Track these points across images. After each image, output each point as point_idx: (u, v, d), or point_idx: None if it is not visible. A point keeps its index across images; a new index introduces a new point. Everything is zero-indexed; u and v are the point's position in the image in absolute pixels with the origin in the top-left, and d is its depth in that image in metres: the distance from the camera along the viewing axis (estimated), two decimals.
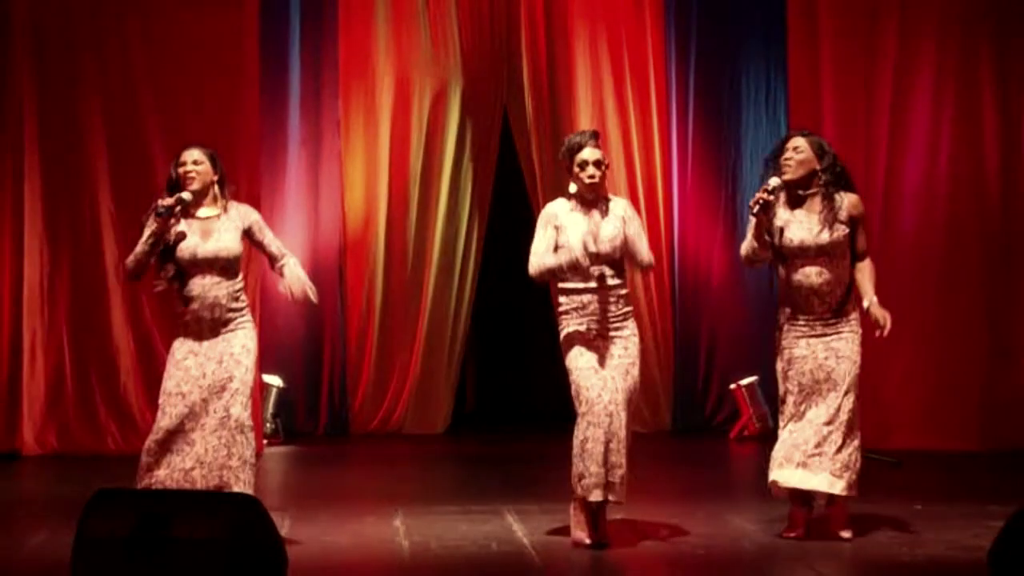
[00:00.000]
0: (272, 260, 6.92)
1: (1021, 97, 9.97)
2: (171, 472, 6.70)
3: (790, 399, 6.92)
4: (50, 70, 9.81)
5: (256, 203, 9.92)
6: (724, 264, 10.93)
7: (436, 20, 10.64)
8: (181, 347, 6.72)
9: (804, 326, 6.88)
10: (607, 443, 6.74)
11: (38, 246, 9.84)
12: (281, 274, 6.91)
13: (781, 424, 6.96)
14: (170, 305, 6.90)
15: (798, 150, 6.85)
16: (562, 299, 6.93)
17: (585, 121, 10.63)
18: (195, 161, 6.84)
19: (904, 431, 9.86)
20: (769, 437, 10.37)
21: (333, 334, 10.65)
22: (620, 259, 6.91)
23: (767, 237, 6.90)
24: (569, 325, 6.90)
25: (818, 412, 6.85)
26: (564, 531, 7.12)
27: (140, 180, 9.79)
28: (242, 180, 9.87)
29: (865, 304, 6.81)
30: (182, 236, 6.72)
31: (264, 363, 10.15)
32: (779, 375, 6.95)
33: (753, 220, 6.84)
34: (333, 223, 10.67)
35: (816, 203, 6.82)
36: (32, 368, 9.81)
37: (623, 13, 10.73)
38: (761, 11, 10.66)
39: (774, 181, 6.83)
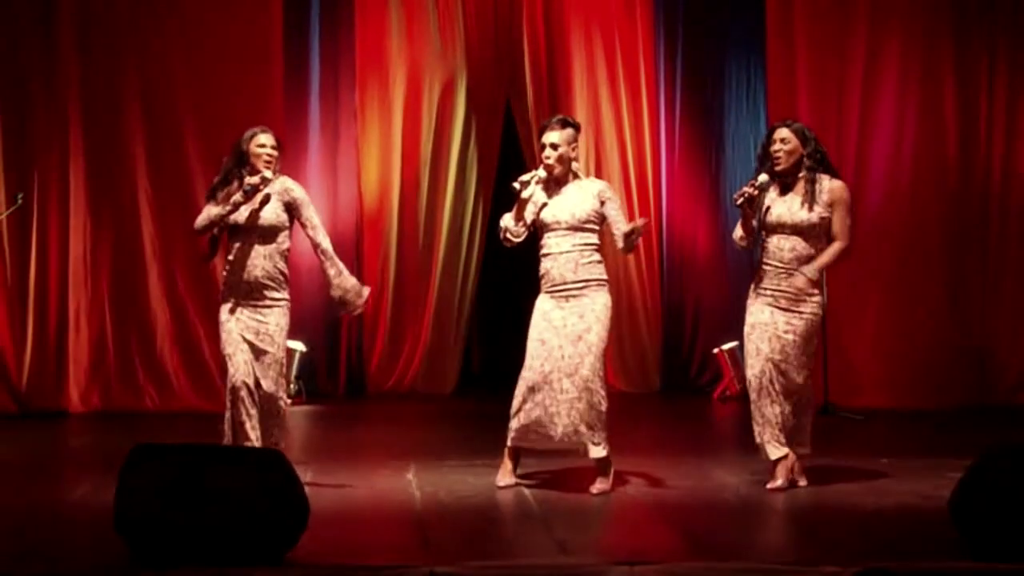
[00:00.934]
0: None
1: (978, 92, 9.97)
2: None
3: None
4: (93, 63, 9.82)
5: None
6: (708, 241, 10.94)
7: (445, 19, 10.62)
8: None
9: (769, 296, 6.85)
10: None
11: (82, 224, 9.85)
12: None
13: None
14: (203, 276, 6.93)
15: (785, 141, 6.82)
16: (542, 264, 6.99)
17: (581, 111, 10.63)
18: (273, 146, 6.88)
19: (870, 391, 9.89)
20: (748, 400, 10.41)
21: None
22: (587, 231, 6.93)
23: (754, 224, 6.88)
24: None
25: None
26: (559, 480, 7.14)
27: (174, 164, 9.84)
28: None
29: (805, 270, 6.71)
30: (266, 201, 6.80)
31: (290, 330, 10.15)
32: (745, 338, 6.92)
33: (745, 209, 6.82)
34: (350, 203, 10.68)
35: (801, 186, 6.79)
36: (77, 335, 9.83)
37: (616, 13, 10.72)
38: (742, 14, 10.65)
39: (763, 178, 6.81)
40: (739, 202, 6.83)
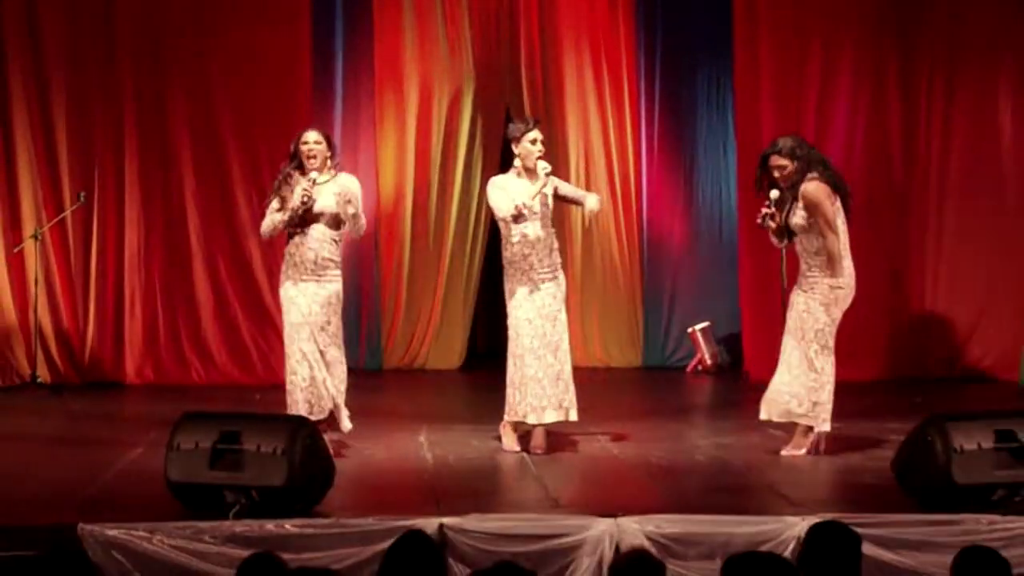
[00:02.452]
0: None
1: (918, 97, 9.94)
2: None
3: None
4: (145, 80, 9.81)
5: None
6: (682, 233, 10.93)
7: (452, 37, 10.61)
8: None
9: (798, 282, 6.90)
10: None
11: (136, 218, 9.86)
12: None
13: None
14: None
15: (782, 167, 6.81)
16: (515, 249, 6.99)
17: (571, 117, 10.63)
18: (316, 141, 6.91)
19: None
20: (719, 372, 10.44)
21: (370, 288, 10.68)
22: (550, 215, 7.00)
23: (782, 233, 6.89)
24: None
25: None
26: (555, 443, 7.17)
27: (216, 164, 9.84)
28: None
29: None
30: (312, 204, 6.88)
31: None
32: None
33: (770, 225, 6.88)
34: (369, 200, 10.59)
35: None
36: (132, 316, 9.85)
37: (602, 30, 10.70)
38: (713, 29, 10.60)
39: (774, 194, 6.82)
40: (760, 223, 6.86)
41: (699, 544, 5.28)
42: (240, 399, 8.57)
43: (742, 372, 10.19)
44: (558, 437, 7.24)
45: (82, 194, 9.67)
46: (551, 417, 6.97)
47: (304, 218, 6.90)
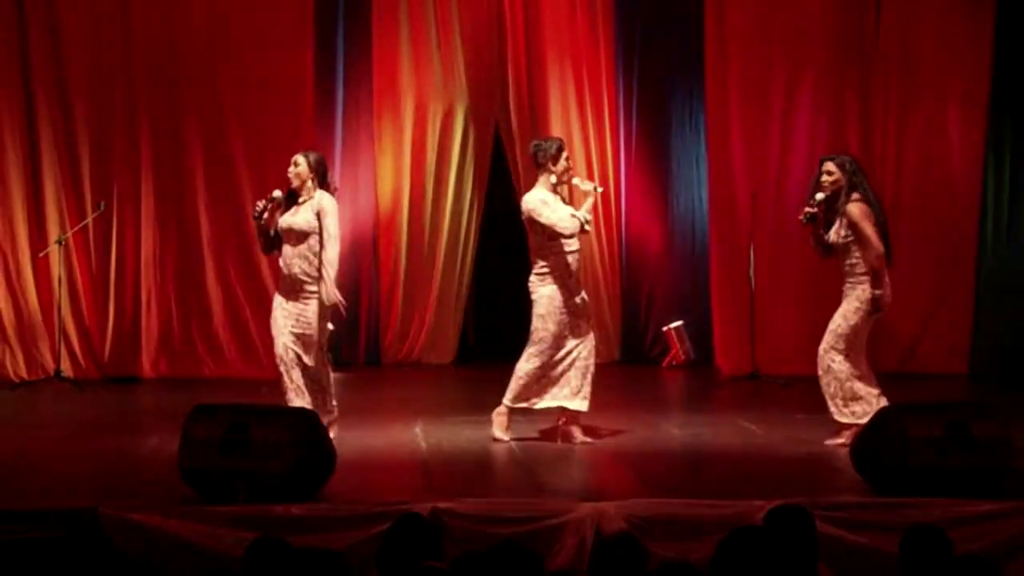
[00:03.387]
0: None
1: (875, 117, 9.96)
2: None
3: None
4: (161, 98, 9.80)
5: None
6: (659, 238, 10.94)
7: (446, 58, 10.60)
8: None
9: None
10: None
11: (152, 225, 9.84)
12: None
13: None
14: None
15: (830, 173, 6.79)
16: (549, 261, 6.91)
17: (556, 131, 10.56)
18: (296, 163, 6.90)
19: (790, 360, 9.87)
20: (691, 367, 10.44)
21: (369, 290, 10.67)
22: None
23: (822, 233, 6.83)
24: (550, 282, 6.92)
25: None
26: (549, 433, 7.17)
27: (225, 178, 9.84)
28: None
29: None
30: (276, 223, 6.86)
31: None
32: None
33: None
34: (369, 208, 10.68)
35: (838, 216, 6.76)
36: (148, 315, 9.83)
37: (584, 52, 10.68)
38: (687, 52, 10.61)
39: (819, 196, 6.79)
40: (803, 221, 6.83)
41: (673, 525, 5.29)
42: (248, 392, 8.55)
43: (713, 367, 10.21)
44: (548, 425, 7.24)
45: (102, 203, 9.67)
46: (574, 404, 6.97)
47: (279, 236, 6.85)
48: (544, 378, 6.95)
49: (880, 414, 6.00)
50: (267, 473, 5.54)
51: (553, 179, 6.95)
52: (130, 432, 7.41)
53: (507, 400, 6.99)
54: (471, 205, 10.73)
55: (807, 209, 6.79)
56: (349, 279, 10.61)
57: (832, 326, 6.87)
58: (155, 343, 9.82)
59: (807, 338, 9.98)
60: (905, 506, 5.38)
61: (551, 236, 6.91)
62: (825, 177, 6.79)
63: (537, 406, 7.00)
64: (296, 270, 6.81)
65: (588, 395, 6.94)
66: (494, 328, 11.37)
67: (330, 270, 6.80)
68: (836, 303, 9.86)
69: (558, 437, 6.97)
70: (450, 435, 7.25)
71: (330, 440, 5.91)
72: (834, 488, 5.71)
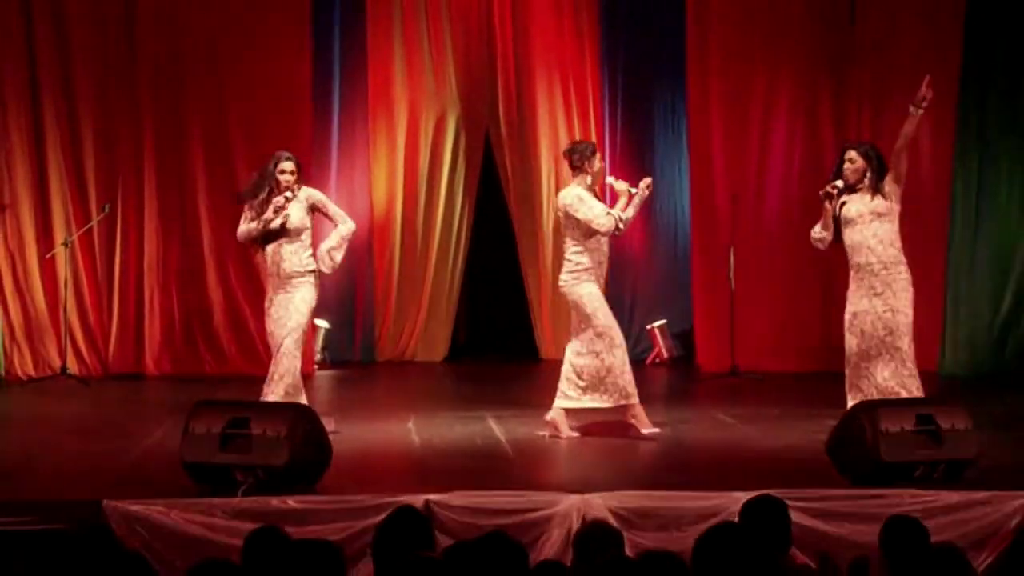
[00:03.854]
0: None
1: (848, 125, 9.97)
2: None
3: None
4: (164, 104, 9.78)
5: None
6: (642, 241, 10.94)
7: (438, 66, 10.60)
8: None
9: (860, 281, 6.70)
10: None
11: (155, 227, 9.82)
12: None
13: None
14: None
15: (852, 161, 6.76)
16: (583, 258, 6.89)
17: (543, 137, 10.61)
18: (292, 171, 6.89)
19: (768, 357, 9.91)
20: (674, 364, 10.45)
21: (364, 290, 10.66)
22: None
23: (834, 214, 6.73)
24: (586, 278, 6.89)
25: (882, 362, 6.61)
26: (528, 428, 7.16)
27: (226, 180, 9.77)
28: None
29: None
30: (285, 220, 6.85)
31: (316, 310, 10.14)
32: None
33: (826, 205, 6.75)
34: (364, 211, 10.66)
35: (866, 191, 6.66)
36: (151, 315, 9.81)
37: (570, 61, 10.67)
38: (669, 61, 10.62)
39: (840, 183, 6.77)
40: (822, 195, 6.76)
41: (656, 517, 5.30)
42: (247, 388, 8.52)
43: (694, 364, 10.23)
44: (535, 421, 7.24)
45: (107, 206, 9.64)
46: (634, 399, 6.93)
47: (275, 234, 6.85)
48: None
49: (853, 410, 6.02)
50: (266, 466, 5.53)
51: (589, 180, 6.96)
52: (133, 427, 7.39)
53: (625, 400, 6.89)
54: (462, 208, 10.74)
55: (827, 188, 6.75)
56: (344, 280, 10.63)
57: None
58: (158, 342, 9.80)
59: (784, 336, 10.07)
60: (877, 497, 5.40)
61: (586, 233, 6.88)
62: (847, 165, 6.75)
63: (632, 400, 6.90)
64: (287, 266, 6.83)
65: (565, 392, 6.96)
66: (484, 327, 11.40)
67: (344, 245, 7.04)
68: (812, 303, 9.98)
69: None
70: (442, 430, 7.25)
71: (327, 435, 5.91)
72: (810, 480, 5.72)
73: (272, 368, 6.84)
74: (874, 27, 9.89)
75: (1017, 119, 9.66)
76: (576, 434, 6.96)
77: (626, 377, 6.85)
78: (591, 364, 6.87)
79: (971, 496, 5.40)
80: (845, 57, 9.96)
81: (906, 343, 6.70)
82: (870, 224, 6.66)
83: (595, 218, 6.82)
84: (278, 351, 6.82)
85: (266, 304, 6.97)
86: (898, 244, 6.71)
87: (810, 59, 9.97)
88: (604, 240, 6.95)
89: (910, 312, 6.72)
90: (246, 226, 6.95)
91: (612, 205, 7.06)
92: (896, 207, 6.69)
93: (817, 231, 6.90)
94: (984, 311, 9.68)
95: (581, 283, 6.89)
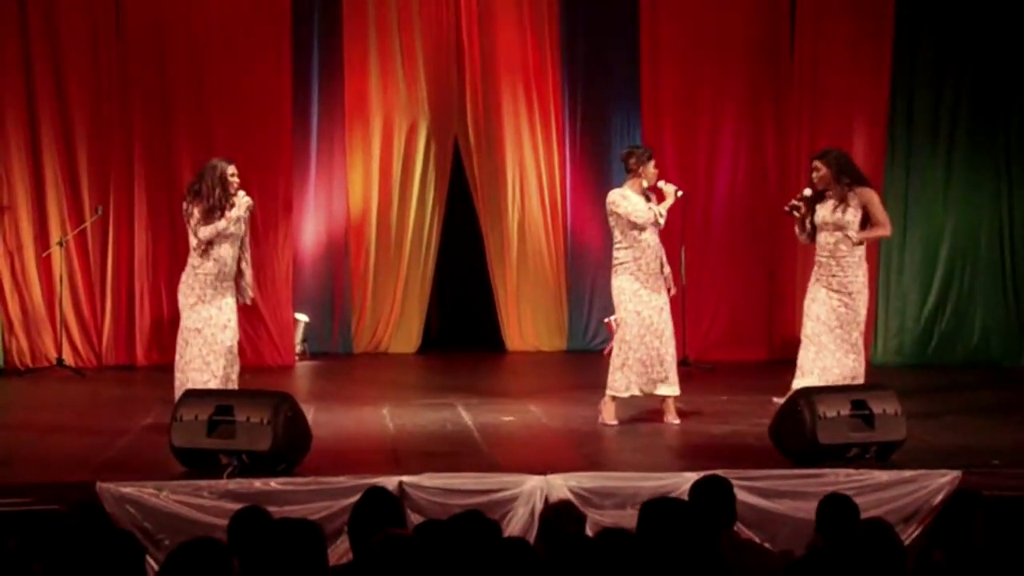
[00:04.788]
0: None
1: (790, 127, 10.03)
2: None
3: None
4: (152, 110, 9.72)
5: (288, 202, 9.98)
6: (601, 237, 10.83)
7: (410, 78, 10.57)
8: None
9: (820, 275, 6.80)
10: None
11: (144, 228, 9.76)
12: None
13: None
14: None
15: (817, 169, 6.80)
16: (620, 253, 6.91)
17: (508, 143, 10.60)
18: (235, 173, 6.81)
19: (716, 348, 9.97)
20: None
21: (342, 286, 10.62)
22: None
23: (806, 224, 6.82)
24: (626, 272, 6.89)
25: (828, 351, 6.70)
26: (494, 414, 7.17)
27: None
28: (279, 185, 9.90)
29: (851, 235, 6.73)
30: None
31: (297, 304, 10.16)
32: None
33: (794, 215, 6.86)
34: (341, 213, 10.64)
35: (834, 198, 6.72)
36: (142, 310, 9.75)
37: (534, 73, 10.66)
38: (626, 74, 10.62)
39: (806, 192, 6.81)
40: (786, 210, 6.84)
41: (613, 496, 5.33)
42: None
43: None
44: (502, 407, 7.24)
45: (99, 208, 9.59)
46: (662, 391, 6.89)
47: (224, 237, 6.69)
48: (640, 364, 6.83)
49: (794, 396, 6.07)
50: (250, 451, 5.52)
51: (645, 183, 6.95)
52: (125, 414, 7.36)
53: (618, 391, 6.87)
54: (433, 210, 10.72)
55: (793, 201, 6.84)
56: (323, 277, 10.61)
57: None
58: (148, 334, 9.74)
59: (731, 328, 10.13)
60: (815, 476, 5.46)
61: (629, 226, 6.87)
62: (814, 175, 6.82)
63: (640, 392, 6.88)
64: (232, 267, 6.74)
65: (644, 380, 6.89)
66: (454, 321, 11.40)
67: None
68: (758, 298, 10.05)
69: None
70: (414, 417, 7.25)
71: (307, 421, 5.90)
72: (754, 461, 5.76)
73: (235, 373, 6.76)
74: (813, 41, 9.96)
75: (938, 131, 9.80)
76: (612, 423, 6.88)
77: (631, 370, 6.83)
78: (616, 352, 6.92)
79: (900, 475, 5.46)
80: (786, 69, 10.04)
81: (855, 336, 6.76)
82: (833, 232, 6.76)
83: (635, 211, 6.86)
84: (234, 351, 6.75)
85: (230, 307, 6.74)
86: (860, 251, 6.76)
87: (754, 70, 10.04)
88: (646, 237, 6.87)
89: (863, 310, 6.79)
90: (213, 226, 6.64)
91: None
92: (856, 221, 6.73)
93: (797, 232, 7.02)
94: (912, 305, 9.78)
95: (617, 276, 6.95)
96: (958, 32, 9.69)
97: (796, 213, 6.86)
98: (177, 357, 6.74)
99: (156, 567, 4.31)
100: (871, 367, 9.43)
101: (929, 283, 9.80)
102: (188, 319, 6.69)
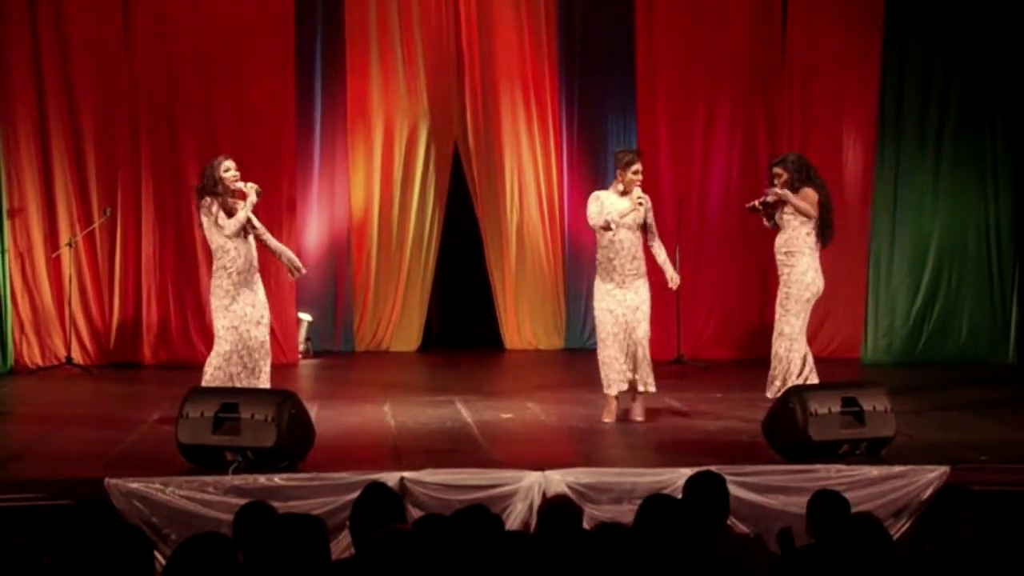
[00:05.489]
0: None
1: (781, 130, 10.02)
2: None
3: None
4: (159, 115, 9.72)
5: (291, 203, 9.98)
6: (595, 238, 10.92)
7: (411, 83, 10.57)
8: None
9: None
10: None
11: (151, 229, 9.75)
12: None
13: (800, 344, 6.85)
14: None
15: (779, 176, 6.85)
16: (599, 254, 6.91)
17: (507, 146, 10.60)
18: (236, 168, 6.77)
19: (710, 346, 9.97)
20: None
21: (344, 286, 10.62)
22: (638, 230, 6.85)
23: (768, 218, 6.94)
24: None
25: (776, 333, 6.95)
26: (494, 411, 7.16)
27: None
28: (283, 186, 9.89)
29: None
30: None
31: (300, 304, 10.16)
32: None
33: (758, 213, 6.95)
34: (343, 214, 10.64)
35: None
36: (148, 308, 9.74)
37: (532, 78, 10.66)
38: (621, 79, 10.62)
39: (769, 198, 6.83)
40: (747, 207, 6.95)
41: (610, 491, 5.32)
42: None
43: None
44: (501, 404, 7.23)
45: (107, 210, 9.59)
46: (641, 388, 6.81)
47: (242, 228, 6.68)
48: (618, 361, 6.76)
49: (786, 393, 6.07)
50: (254, 447, 5.52)
51: (620, 186, 6.91)
52: (132, 412, 7.34)
53: (605, 388, 6.83)
54: (433, 212, 10.72)
55: (755, 202, 6.90)
56: (326, 277, 10.61)
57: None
58: (155, 333, 9.73)
59: (725, 327, 10.12)
60: (807, 472, 5.45)
61: (597, 231, 6.87)
62: (775, 180, 6.86)
63: (611, 391, 6.80)
64: (255, 259, 6.75)
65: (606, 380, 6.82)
66: (454, 320, 11.39)
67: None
68: (751, 297, 10.05)
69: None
70: (415, 413, 7.24)
71: (310, 418, 5.89)
72: (747, 457, 5.76)
73: (267, 365, 6.74)
74: (804, 48, 9.96)
75: (926, 135, 9.79)
76: (609, 420, 6.82)
77: (609, 367, 6.79)
78: (598, 351, 6.92)
79: (890, 471, 5.46)
80: (777, 74, 10.03)
81: (794, 324, 6.76)
82: (785, 234, 6.88)
83: (590, 214, 6.84)
84: (266, 347, 6.74)
85: (241, 301, 6.68)
86: (796, 245, 6.80)
87: (747, 75, 10.03)
88: (621, 238, 6.79)
89: (801, 299, 6.80)
90: (236, 218, 6.63)
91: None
92: (802, 230, 6.82)
93: (765, 222, 7.11)
94: (901, 304, 9.78)
95: (596, 278, 6.91)
96: (945, 38, 9.70)
97: (755, 212, 6.95)
98: (213, 355, 6.68)
99: (163, 561, 4.31)
100: (861, 365, 9.51)
101: (918, 283, 9.80)
102: (224, 319, 6.64)
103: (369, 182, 10.62)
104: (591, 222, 6.86)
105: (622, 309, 6.82)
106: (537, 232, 10.72)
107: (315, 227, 10.59)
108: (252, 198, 6.70)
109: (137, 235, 9.75)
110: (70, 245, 9.43)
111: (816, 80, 9.94)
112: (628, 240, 6.83)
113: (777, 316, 6.91)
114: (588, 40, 10.80)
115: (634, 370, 6.81)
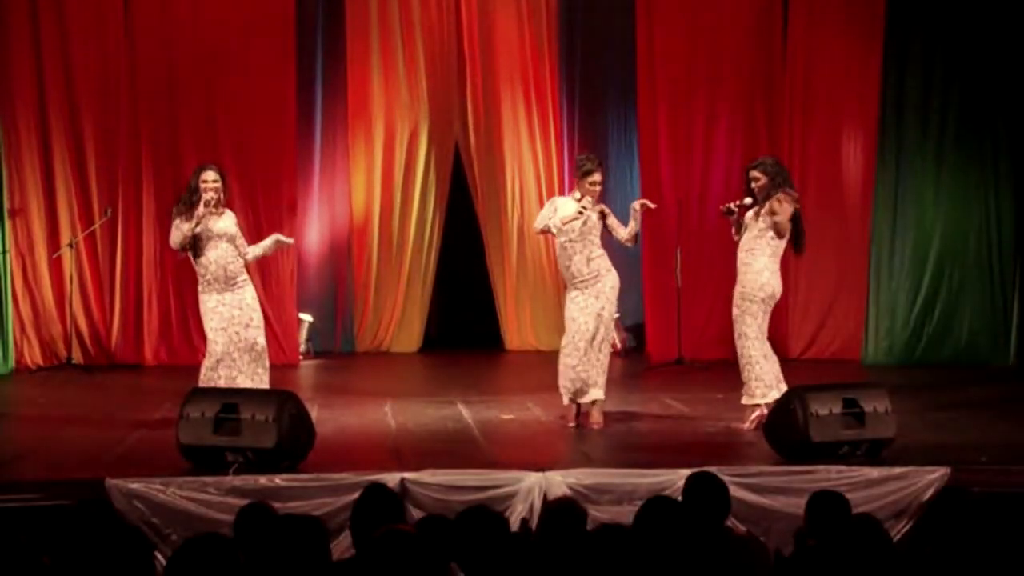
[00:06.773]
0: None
1: (782, 132, 10.02)
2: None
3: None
4: (160, 115, 9.73)
5: (292, 204, 9.99)
6: (600, 236, 10.93)
7: (411, 84, 10.58)
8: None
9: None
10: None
11: (152, 230, 9.76)
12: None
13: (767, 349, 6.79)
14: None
15: (756, 179, 6.80)
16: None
17: (508, 147, 10.61)
18: (213, 180, 6.74)
19: (710, 347, 9.95)
20: (626, 354, 10.45)
21: (345, 287, 10.63)
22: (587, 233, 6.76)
23: (737, 227, 6.87)
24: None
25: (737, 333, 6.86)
26: (494, 412, 7.14)
27: None
28: (284, 189, 9.91)
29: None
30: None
31: (301, 304, 10.17)
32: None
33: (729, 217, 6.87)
34: (344, 217, 10.64)
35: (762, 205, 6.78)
36: (150, 309, 9.76)
37: (533, 78, 10.66)
38: (622, 77, 10.65)
39: (748, 200, 6.80)
40: (721, 209, 6.86)
41: (610, 492, 5.32)
42: None
43: (644, 353, 10.27)
44: (501, 405, 7.22)
45: (108, 210, 9.59)
46: (589, 396, 6.70)
47: (206, 240, 6.67)
48: (573, 370, 6.68)
49: (787, 394, 6.07)
50: (255, 448, 5.51)
51: (578, 194, 6.87)
52: (133, 412, 7.34)
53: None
54: (434, 213, 10.72)
55: (730, 204, 6.85)
56: (327, 278, 10.61)
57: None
58: (155, 334, 9.74)
59: (725, 327, 10.08)
60: (807, 473, 5.45)
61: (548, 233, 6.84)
62: (753, 184, 6.82)
63: (565, 399, 6.73)
64: (231, 266, 6.73)
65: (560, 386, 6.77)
66: (454, 321, 11.39)
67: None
68: None
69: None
70: (416, 414, 7.23)
71: (310, 418, 5.89)
72: (748, 457, 5.75)
73: (265, 366, 6.74)
74: (804, 50, 9.95)
75: (927, 137, 9.79)
76: (572, 424, 6.77)
77: (563, 375, 6.72)
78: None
79: (890, 472, 5.46)
80: (778, 76, 10.02)
81: (751, 324, 6.74)
82: (751, 234, 6.80)
83: (537, 219, 6.89)
84: (257, 348, 6.72)
85: (208, 303, 6.66)
86: (759, 245, 6.76)
87: (747, 76, 10.03)
88: (572, 247, 6.75)
89: (755, 299, 6.78)
90: (179, 231, 6.68)
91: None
92: (768, 233, 6.74)
93: (733, 233, 7.03)
94: (902, 306, 9.78)
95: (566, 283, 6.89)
96: (947, 39, 9.69)
97: (731, 216, 6.89)
98: (205, 358, 6.70)
99: (164, 561, 4.31)
100: (862, 366, 9.50)
101: (918, 285, 9.79)
102: (211, 321, 6.66)
103: (370, 182, 10.62)
104: (536, 225, 6.89)
105: (584, 316, 6.76)
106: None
107: (316, 227, 10.60)
108: (195, 227, 6.68)
109: (138, 235, 9.76)
110: (71, 246, 9.44)
111: (817, 82, 9.95)
112: (578, 247, 6.76)
113: (734, 316, 6.86)
114: (589, 40, 10.81)
115: (594, 379, 6.68)
